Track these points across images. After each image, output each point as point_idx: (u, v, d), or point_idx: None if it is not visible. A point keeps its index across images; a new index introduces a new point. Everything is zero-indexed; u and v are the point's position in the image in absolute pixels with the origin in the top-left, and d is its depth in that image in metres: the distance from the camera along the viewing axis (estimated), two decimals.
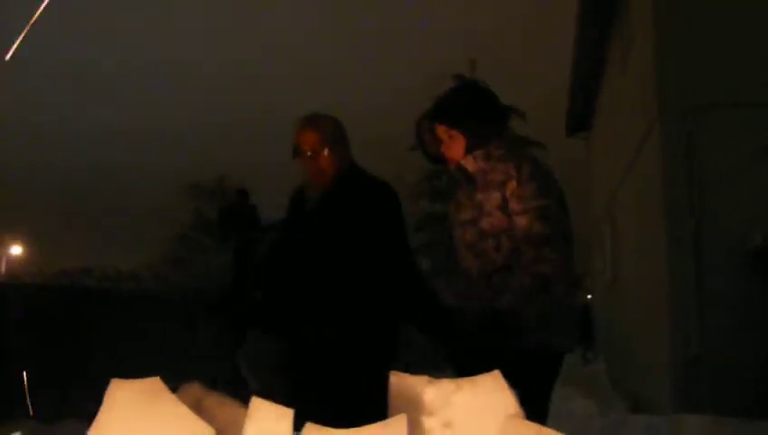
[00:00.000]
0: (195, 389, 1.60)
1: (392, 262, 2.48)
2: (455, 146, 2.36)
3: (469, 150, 2.34)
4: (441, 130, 2.38)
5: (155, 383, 1.50)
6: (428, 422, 1.31)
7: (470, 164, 2.34)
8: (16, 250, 25.25)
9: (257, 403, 1.45)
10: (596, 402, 7.22)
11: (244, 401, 1.50)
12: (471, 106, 2.37)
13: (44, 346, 5.89)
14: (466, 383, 1.29)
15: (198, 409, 1.53)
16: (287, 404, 1.42)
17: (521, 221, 2.19)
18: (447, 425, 1.28)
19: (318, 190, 2.56)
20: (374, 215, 2.48)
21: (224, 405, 1.57)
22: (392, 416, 1.37)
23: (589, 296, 16.60)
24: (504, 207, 2.24)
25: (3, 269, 22.37)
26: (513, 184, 2.22)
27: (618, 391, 9.31)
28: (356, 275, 2.42)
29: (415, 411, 1.33)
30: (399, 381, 1.41)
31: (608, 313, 12.08)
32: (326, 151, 2.51)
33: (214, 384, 1.66)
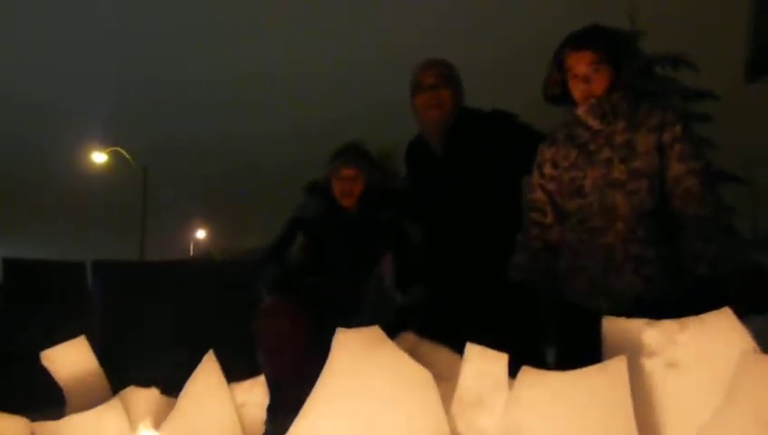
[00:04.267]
0: (410, 337, 1.72)
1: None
2: (599, 80, 2.18)
3: (612, 89, 2.17)
4: (586, 61, 2.18)
5: (376, 332, 1.64)
6: (650, 363, 1.30)
7: (617, 101, 2.18)
8: (201, 234, 27.73)
9: (473, 349, 1.53)
10: None
11: None
12: (620, 42, 2.20)
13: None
14: (692, 323, 1.26)
15: (414, 355, 1.65)
16: None
17: (691, 180, 2.08)
18: (672, 365, 1.27)
19: (436, 127, 2.62)
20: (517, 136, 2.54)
21: (437, 351, 1.68)
22: (607, 359, 1.39)
23: None
24: (659, 149, 2.13)
25: (192, 251, 24.72)
26: (676, 129, 2.11)
27: None
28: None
29: (633, 353, 1.34)
30: (613, 324, 1.42)
31: None
32: (447, 88, 2.61)
33: None
